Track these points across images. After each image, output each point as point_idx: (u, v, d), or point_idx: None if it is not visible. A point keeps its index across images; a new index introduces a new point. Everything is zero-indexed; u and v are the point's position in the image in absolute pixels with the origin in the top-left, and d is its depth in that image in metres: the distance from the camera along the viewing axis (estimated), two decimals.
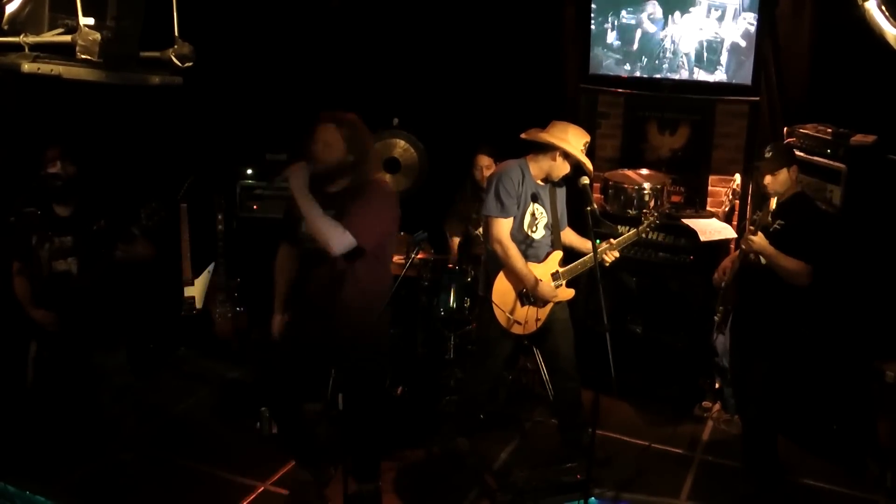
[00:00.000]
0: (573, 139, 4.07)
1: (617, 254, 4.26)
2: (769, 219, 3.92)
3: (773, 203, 3.92)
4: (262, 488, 4.19)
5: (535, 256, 4.23)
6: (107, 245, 4.22)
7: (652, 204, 4.97)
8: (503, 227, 4.11)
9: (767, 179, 4.04)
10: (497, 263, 4.18)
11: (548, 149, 4.11)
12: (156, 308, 5.42)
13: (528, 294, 4.19)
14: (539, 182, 4.20)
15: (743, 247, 4.07)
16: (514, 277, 4.17)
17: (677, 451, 4.66)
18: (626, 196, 5.07)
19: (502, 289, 4.20)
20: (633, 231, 4.35)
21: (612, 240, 4.27)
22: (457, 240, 5.42)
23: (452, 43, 5.91)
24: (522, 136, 4.16)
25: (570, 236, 4.39)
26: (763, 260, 4.00)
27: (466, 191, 5.36)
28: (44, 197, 4.26)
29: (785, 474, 4.33)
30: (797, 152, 4.47)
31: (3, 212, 4.37)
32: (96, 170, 4.58)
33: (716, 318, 4.47)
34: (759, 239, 3.94)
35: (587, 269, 4.22)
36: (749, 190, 5.22)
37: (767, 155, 4.08)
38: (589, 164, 4.11)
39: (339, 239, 3.41)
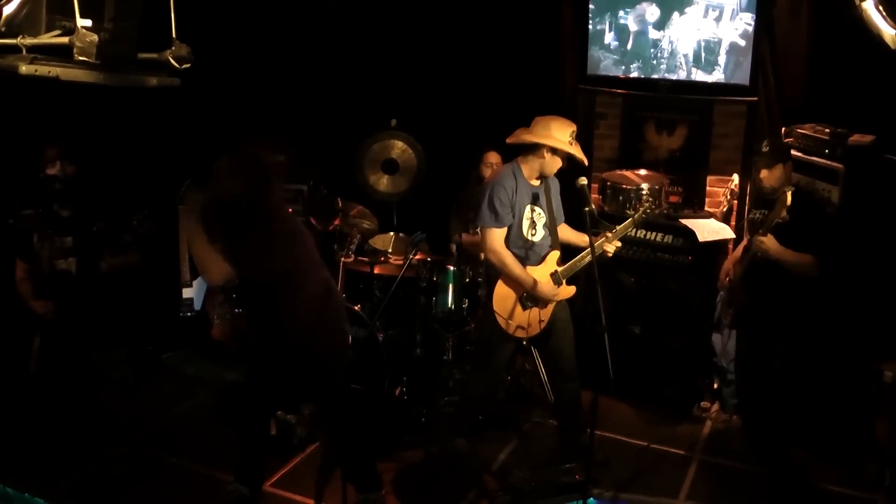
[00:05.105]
0: (557, 133, 4.06)
1: (619, 243, 4.26)
2: (784, 213, 3.95)
3: (790, 197, 3.93)
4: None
5: (535, 259, 4.23)
6: (100, 251, 4.27)
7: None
8: (497, 236, 4.12)
9: (764, 174, 4.13)
10: (496, 271, 4.20)
11: (535, 147, 4.11)
12: (154, 310, 5.41)
13: (528, 297, 4.20)
14: (534, 182, 4.20)
15: (754, 249, 4.11)
16: (514, 283, 4.18)
17: (676, 451, 4.65)
18: (623, 196, 5.06)
19: (502, 295, 4.20)
20: (629, 220, 4.35)
21: (608, 233, 4.27)
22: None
23: (450, 44, 5.91)
24: (508, 140, 4.17)
25: (566, 232, 4.38)
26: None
27: (468, 187, 5.35)
28: (44, 197, 4.30)
29: (801, 475, 4.35)
30: (795, 152, 4.50)
31: (2, 213, 4.38)
32: (95, 171, 4.58)
33: (725, 321, 4.51)
34: (769, 241, 4.03)
35: (585, 266, 4.22)
36: (747, 190, 5.22)
37: (765, 150, 4.17)
38: (578, 154, 4.10)
39: (215, 270, 3.56)
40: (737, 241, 5.20)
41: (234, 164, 3.57)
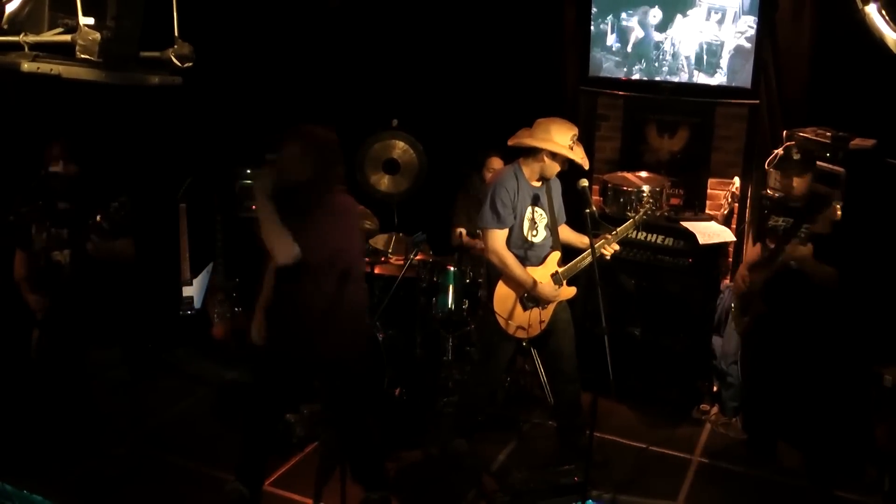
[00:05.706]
0: (558, 136, 4.07)
1: (617, 246, 4.26)
2: (829, 228, 3.91)
3: (839, 212, 3.86)
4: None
5: (535, 259, 4.24)
6: (87, 236, 4.26)
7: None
8: (498, 237, 4.13)
9: (796, 182, 4.14)
10: (496, 271, 4.20)
11: (535, 151, 4.12)
12: (154, 308, 5.41)
13: (529, 298, 4.20)
14: (535, 183, 4.21)
15: (784, 258, 4.08)
16: (514, 283, 4.18)
17: (675, 453, 4.65)
18: (624, 198, 5.06)
19: (503, 296, 4.21)
20: (630, 221, 4.35)
21: (608, 234, 4.27)
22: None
23: (452, 44, 5.91)
24: (510, 142, 4.18)
25: (567, 233, 4.39)
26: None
27: (469, 190, 5.35)
28: (46, 194, 4.30)
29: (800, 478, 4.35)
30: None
31: (3, 210, 4.38)
32: (96, 169, 4.58)
33: (737, 329, 4.49)
34: (808, 251, 4.00)
35: (586, 267, 4.22)
36: (748, 193, 5.22)
37: (796, 157, 4.15)
38: (578, 158, 4.10)
39: (285, 250, 3.46)
40: (737, 245, 5.20)
41: (307, 147, 3.51)
